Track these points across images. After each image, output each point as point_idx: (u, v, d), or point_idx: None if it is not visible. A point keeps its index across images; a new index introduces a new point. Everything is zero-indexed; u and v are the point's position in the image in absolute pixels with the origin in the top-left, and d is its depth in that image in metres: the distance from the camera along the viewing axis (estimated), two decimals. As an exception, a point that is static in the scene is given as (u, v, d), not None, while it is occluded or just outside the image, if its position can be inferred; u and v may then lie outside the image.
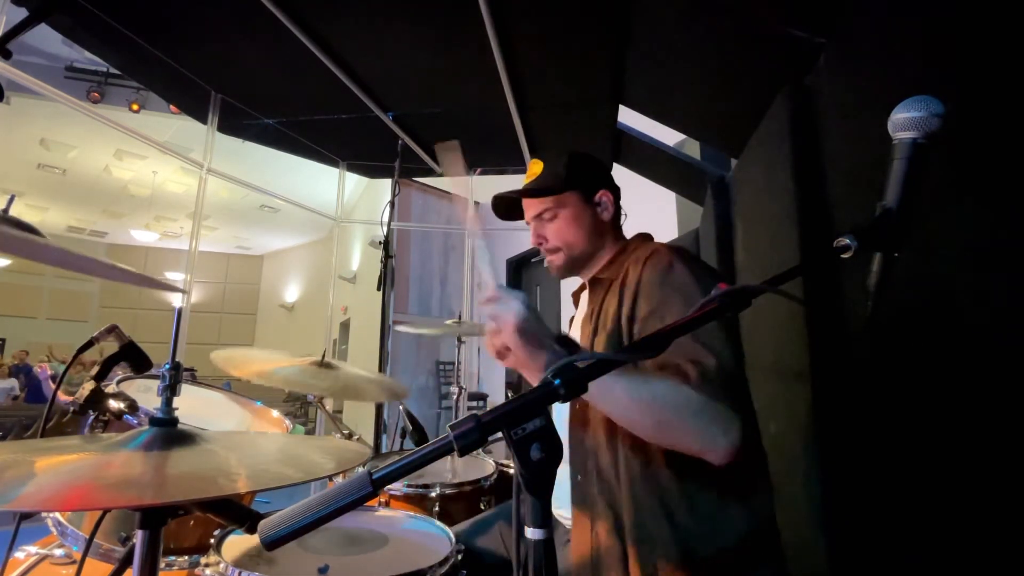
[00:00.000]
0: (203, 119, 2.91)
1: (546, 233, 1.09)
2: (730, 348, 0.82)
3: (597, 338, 0.99)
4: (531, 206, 1.11)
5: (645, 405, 0.77)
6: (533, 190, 1.09)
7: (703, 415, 0.75)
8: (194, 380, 1.51)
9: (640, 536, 0.85)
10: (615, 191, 1.12)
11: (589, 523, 0.93)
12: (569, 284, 1.19)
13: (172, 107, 4.71)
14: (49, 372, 6.69)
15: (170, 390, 0.73)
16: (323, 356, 1.44)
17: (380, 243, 2.32)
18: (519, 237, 6.18)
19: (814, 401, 1.20)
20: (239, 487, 0.61)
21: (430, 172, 3.58)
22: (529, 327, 0.76)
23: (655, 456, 0.86)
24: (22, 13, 1.84)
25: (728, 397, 0.77)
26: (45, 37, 5.07)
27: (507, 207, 1.16)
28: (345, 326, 9.00)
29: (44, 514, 1.03)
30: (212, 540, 0.96)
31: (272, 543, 0.45)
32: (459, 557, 0.99)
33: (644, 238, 1.12)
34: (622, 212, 1.15)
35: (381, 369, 2.60)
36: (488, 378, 6.36)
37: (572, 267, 1.11)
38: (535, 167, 1.10)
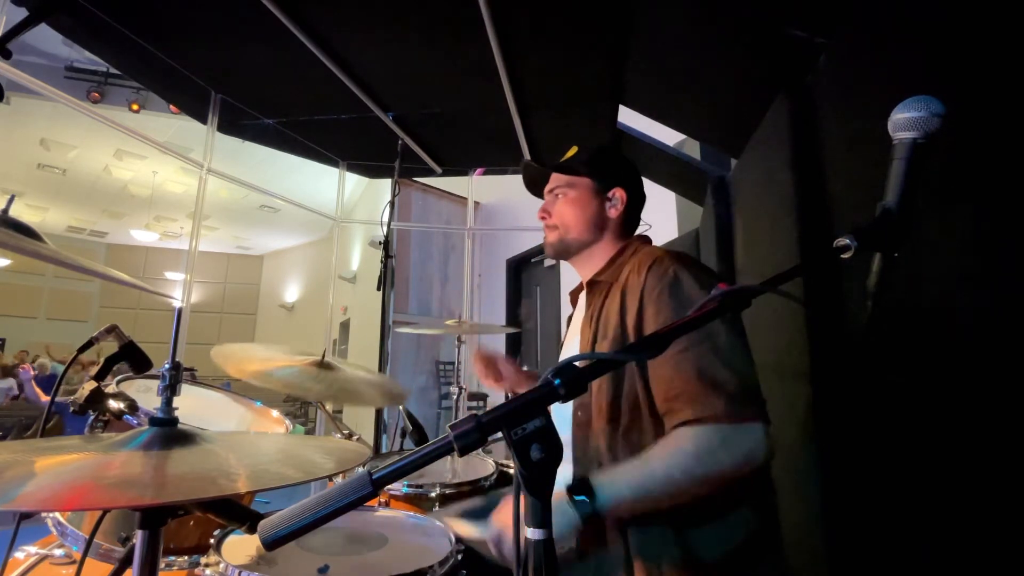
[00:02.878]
0: (203, 119, 2.91)
1: (551, 208, 1.13)
2: (745, 355, 0.84)
3: (598, 345, 0.99)
4: (551, 180, 1.16)
5: (683, 486, 0.78)
6: (554, 164, 1.16)
7: (736, 446, 0.78)
8: (194, 380, 1.50)
9: (643, 535, 0.85)
10: (634, 195, 1.13)
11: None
12: (569, 284, 1.20)
13: (172, 107, 4.71)
14: (32, 372, 6.58)
15: (170, 390, 0.73)
16: (323, 356, 1.44)
17: (380, 243, 2.32)
18: (519, 237, 6.19)
19: (814, 401, 1.20)
20: (239, 487, 0.61)
21: (430, 172, 3.58)
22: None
23: None
24: (22, 13, 1.84)
25: (753, 408, 0.80)
26: (45, 37, 5.07)
27: (531, 178, 1.22)
28: (345, 326, 9.00)
29: (44, 514, 1.03)
30: (212, 540, 0.96)
31: (272, 543, 0.45)
32: (459, 557, 0.98)
33: (643, 240, 1.13)
34: (641, 222, 1.16)
35: (381, 369, 2.60)
36: (488, 378, 6.35)
37: (562, 249, 1.13)
38: (571, 151, 1.16)
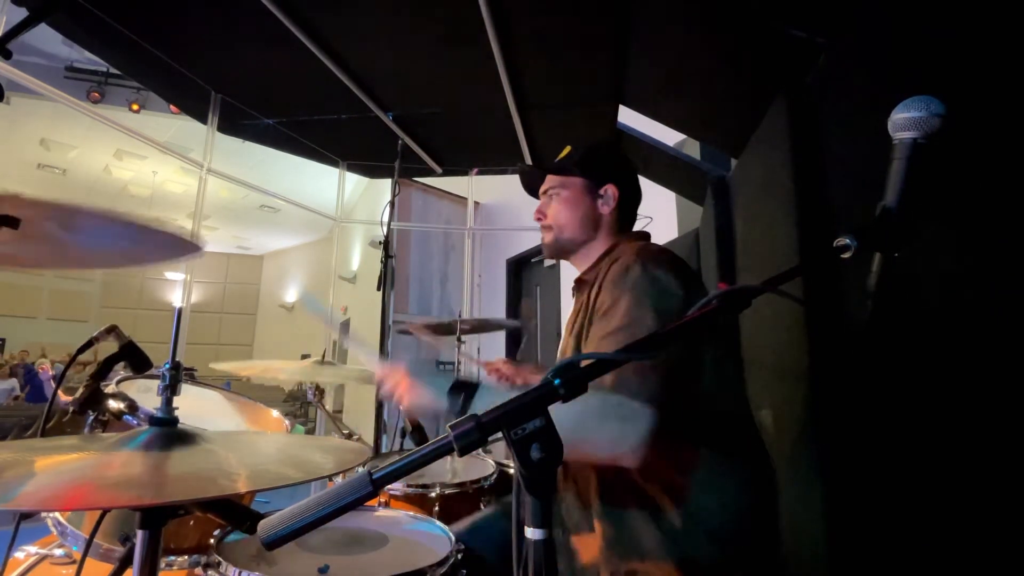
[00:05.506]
0: (203, 119, 2.92)
1: (546, 210, 1.13)
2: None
3: (566, 339, 1.00)
4: (545, 181, 1.16)
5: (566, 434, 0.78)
6: (546, 165, 1.16)
7: (611, 419, 0.76)
8: (194, 380, 1.51)
9: (611, 534, 0.87)
10: (627, 190, 1.12)
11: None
12: (569, 284, 1.20)
13: (172, 107, 4.71)
14: (51, 372, 6.71)
15: (170, 390, 0.73)
16: (323, 356, 1.44)
17: (380, 243, 2.32)
18: (519, 237, 6.18)
19: (814, 401, 1.20)
20: (239, 487, 0.61)
21: (430, 172, 3.58)
22: (415, 372, 0.86)
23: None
24: (22, 13, 1.84)
25: (645, 392, 0.77)
26: (45, 37, 5.07)
27: (528, 181, 1.22)
28: (345, 326, 9.00)
29: (44, 514, 1.03)
30: (212, 540, 0.96)
31: (272, 543, 0.45)
32: (459, 557, 0.98)
33: (639, 236, 1.11)
34: (637, 216, 1.15)
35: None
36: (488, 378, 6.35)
37: (558, 250, 1.13)
38: (565, 151, 1.16)
